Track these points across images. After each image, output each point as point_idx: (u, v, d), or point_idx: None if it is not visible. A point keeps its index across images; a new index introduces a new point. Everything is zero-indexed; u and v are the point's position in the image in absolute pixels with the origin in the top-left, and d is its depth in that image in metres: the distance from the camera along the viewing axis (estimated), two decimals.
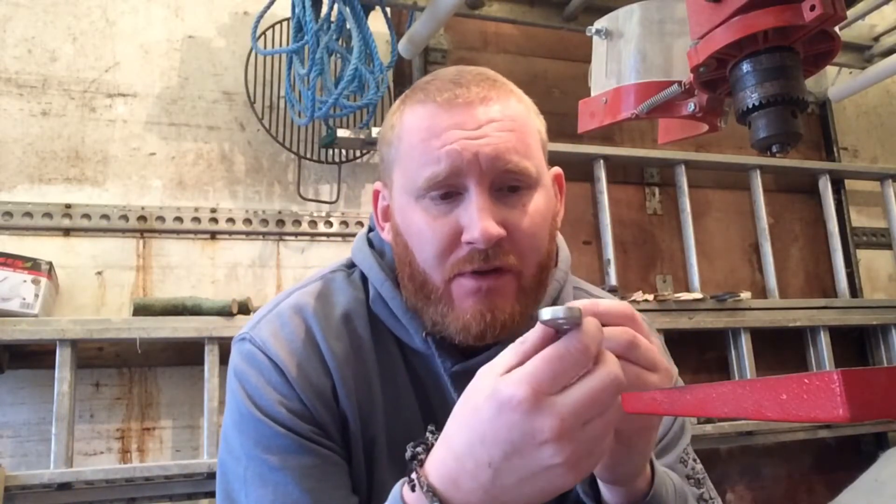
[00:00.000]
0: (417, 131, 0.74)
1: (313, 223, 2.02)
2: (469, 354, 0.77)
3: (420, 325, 0.77)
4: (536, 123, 0.78)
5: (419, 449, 0.59)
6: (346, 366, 0.77)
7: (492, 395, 0.51)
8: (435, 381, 0.79)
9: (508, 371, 0.52)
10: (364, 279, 0.83)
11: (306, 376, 0.75)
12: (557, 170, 0.83)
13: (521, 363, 0.52)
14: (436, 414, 0.79)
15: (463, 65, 0.83)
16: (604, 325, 0.54)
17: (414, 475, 0.57)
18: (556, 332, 0.53)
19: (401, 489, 0.59)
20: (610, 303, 0.58)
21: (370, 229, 0.88)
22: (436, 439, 0.58)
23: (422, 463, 0.57)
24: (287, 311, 0.80)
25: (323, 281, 0.84)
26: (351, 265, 0.86)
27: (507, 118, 0.73)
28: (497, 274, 0.71)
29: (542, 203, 0.74)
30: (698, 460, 0.85)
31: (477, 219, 0.69)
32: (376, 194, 0.83)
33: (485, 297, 0.71)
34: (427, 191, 0.72)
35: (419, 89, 0.77)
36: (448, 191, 0.72)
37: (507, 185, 0.72)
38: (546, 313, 0.52)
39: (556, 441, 0.50)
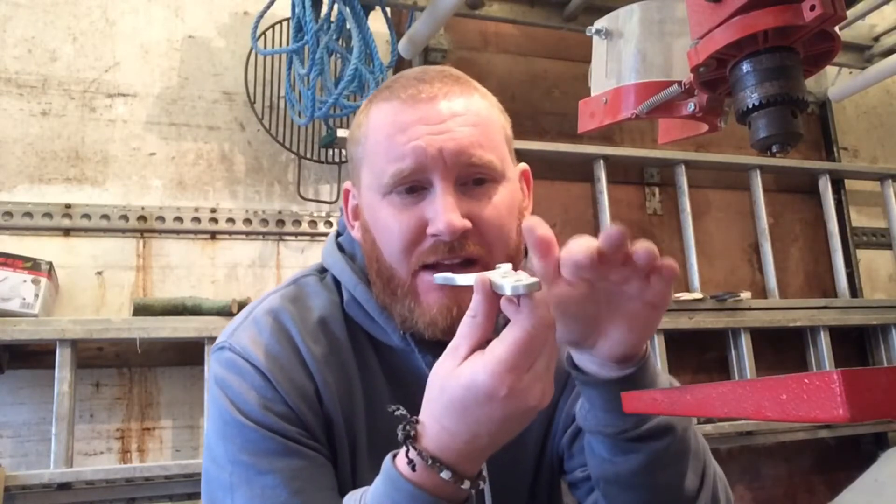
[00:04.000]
0: (383, 127, 0.75)
1: (313, 223, 2.02)
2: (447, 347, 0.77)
3: (397, 323, 0.78)
4: (501, 120, 0.80)
5: (408, 428, 0.61)
6: (327, 368, 0.78)
7: (470, 385, 0.56)
8: (414, 377, 0.79)
9: (471, 351, 0.57)
10: (337, 282, 0.83)
11: (290, 379, 0.75)
12: (524, 166, 0.85)
13: (480, 339, 0.58)
14: (418, 410, 0.79)
15: (460, 65, 0.84)
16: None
17: (413, 452, 0.59)
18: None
19: (394, 466, 0.61)
20: (580, 240, 0.59)
21: (339, 234, 0.89)
22: (414, 418, 0.61)
23: (416, 439, 0.60)
24: (263, 317, 0.80)
25: (296, 285, 0.84)
26: (322, 270, 0.86)
27: (471, 112, 0.75)
28: (462, 267, 0.72)
29: (507, 196, 0.76)
30: None
31: (441, 211, 0.70)
32: (346, 194, 0.84)
33: (450, 290, 0.71)
34: (393, 186, 0.73)
35: (385, 88, 0.78)
36: (413, 185, 0.73)
37: (471, 179, 0.73)
38: (506, 287, 0.55)
39: (513, 397, 0.55)
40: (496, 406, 0.56)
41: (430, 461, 0.58)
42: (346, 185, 0.84)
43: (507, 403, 0.55)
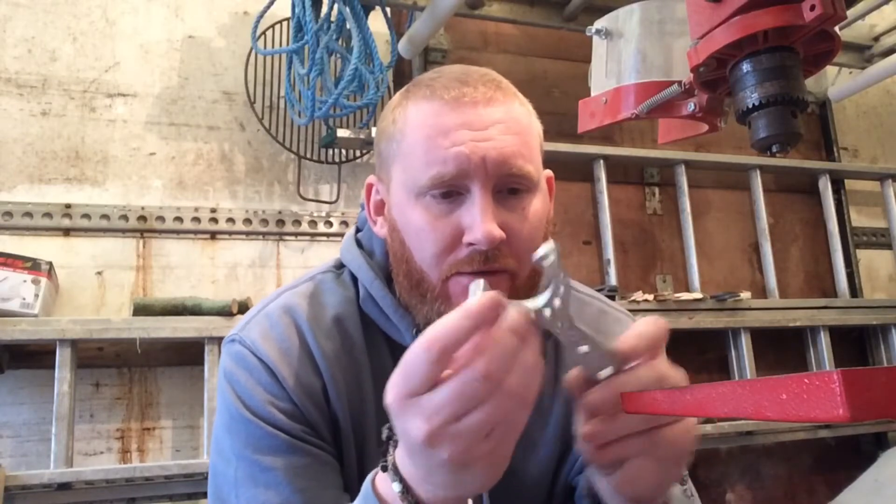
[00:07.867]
0: (423, 128, 0.73)
1: (313, 223, 2.02)
2: None
3: (411, 322, 0.77)
4: (537, 127, 0.79)
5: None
6: (337, 366, 0.77)
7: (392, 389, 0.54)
8: None
9: None
10: (354, 279, 0.83)
11: (296, 376, 0.75)
12: (549, 173, 0.84)
13: None
14: None
15: (464, 64, 0.83)
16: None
17: (389, 456, 0.58)
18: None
19: (373, 475, 0.60)
20: (643, 330, 0.57)
21: (358, 230, 0.88)
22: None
23: (395, 444, 0.58)
24: (276, 312, 0.80)
25: (313, 282, 0.84)
26: (340, 266, 0.86)
27: (512, 120, 0.73)
28: (494, 274, 0.71)
29: (539, 207, 0.75)
30: None
31: (480, 221, 0.69)
32: (369, 188, 0.82)
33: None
34: (430, 189, 0.71)
35: (424, 85, 0.76)
36: (450, 190, 0.71)
37: (507, 188, 0.72)
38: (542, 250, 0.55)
39: (429, 440, 0.50)
40: (396, 422, 0.53)
41: (392, 470, 0.57)
42: (370, 179, 0.82)
43: (397, 422, 0.52)
